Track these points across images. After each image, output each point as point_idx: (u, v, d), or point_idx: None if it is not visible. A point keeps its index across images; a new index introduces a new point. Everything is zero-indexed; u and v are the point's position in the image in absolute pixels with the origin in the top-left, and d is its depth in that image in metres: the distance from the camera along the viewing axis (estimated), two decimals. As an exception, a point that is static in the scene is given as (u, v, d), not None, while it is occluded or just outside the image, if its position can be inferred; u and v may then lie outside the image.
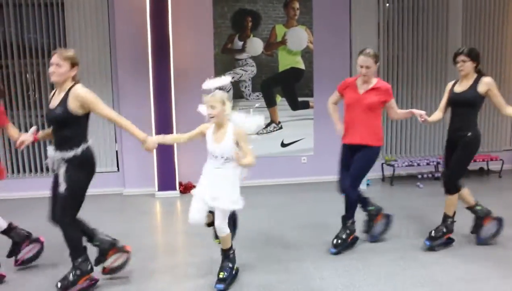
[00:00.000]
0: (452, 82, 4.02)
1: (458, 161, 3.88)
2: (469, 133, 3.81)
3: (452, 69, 6.97)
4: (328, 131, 5.88)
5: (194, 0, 6.25)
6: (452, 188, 3.93)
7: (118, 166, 6.43)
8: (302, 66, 6.61)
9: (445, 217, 4.00)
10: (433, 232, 3.99)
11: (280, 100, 6.60)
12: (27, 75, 6.28)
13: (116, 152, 6.42)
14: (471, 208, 4.07)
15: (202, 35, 6.31)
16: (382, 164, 6.85)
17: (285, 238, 4.35)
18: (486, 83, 3.76)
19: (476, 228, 4.07)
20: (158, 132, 5.97)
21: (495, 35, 7.14)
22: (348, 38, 6.73)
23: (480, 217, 4.04)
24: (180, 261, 3.93)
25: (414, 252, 3.95)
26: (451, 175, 3.92)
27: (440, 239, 3.98)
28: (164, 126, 5.98)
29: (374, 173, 6.85)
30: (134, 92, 6.14)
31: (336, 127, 4.04)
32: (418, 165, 6.74)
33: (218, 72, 6.38)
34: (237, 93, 6.44)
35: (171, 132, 5.99)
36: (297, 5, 6.52)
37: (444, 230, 3.98)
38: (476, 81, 3.78)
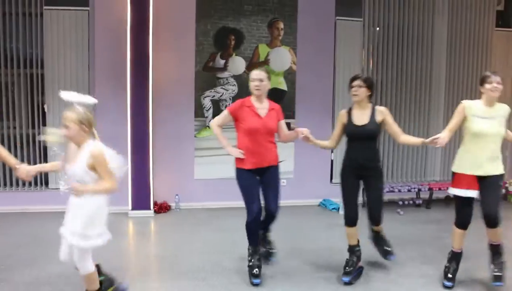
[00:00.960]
0: (345, 111, 3.89)
1: (380, 194, 3.87)
2: (379, 164, 3.83)
3: (435, 94, 7.00)
4: (310, 154, 5.81)
5: (176, 16, 6.15)
6: (379, 219, 3.94)
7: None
8: (284, 87, 6.54)
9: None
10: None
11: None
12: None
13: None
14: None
15: (184, 52, 6.20)
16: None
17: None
18: (381, 112, 3.75)
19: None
20: (134, 149, 5.82)
21: (479, 64, 7.15)
22: (332, 61, 6.69)
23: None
24: (150, 286, 3.75)
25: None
26: (379, 209, 3.89)
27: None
28: (140, 143, 5.82)
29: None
30: (111, 108, 5.96)
31: None
32: (399, 191, 6.66)
33: (198, 90, 6.29)
34: (217, 112, 6.29)
35: (147, 149, 5.85)
36: (281, 25, 6.48)
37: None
38: (373, 111, 3.75)
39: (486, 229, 3.72)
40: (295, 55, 6.54)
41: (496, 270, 3.71)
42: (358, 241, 4.02)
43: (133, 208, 5.92)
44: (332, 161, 6.79)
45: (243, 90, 6.40)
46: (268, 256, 4.19)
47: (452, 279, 3.80)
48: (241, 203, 3.72)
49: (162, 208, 5.98)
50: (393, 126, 3.80)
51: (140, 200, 5.92)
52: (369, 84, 3.75)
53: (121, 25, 5.79)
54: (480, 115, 3.66)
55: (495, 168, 3.68)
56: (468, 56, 7.11)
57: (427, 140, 3.64)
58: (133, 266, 4.33)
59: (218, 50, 6.31)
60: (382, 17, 6.77)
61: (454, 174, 3.78)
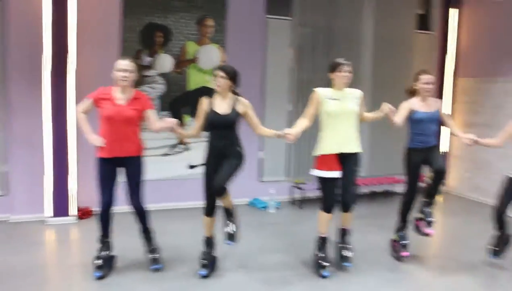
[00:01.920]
0: (208, 100, 3.98)
1: (230, 169, 3.88)
2: (238, 148, 3.95)
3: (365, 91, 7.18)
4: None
5: (100, 10, 5.81)
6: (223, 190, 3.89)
7: (4, 189, 5.69)
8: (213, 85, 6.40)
9: None
10: None
11: (189, 121, 6.33)
12: None
13: (4, 173, 5.69)
14: None
15: (108, 48, 5.85)
16: (292, 186, 6.82)
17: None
18: (244, 104, 3.92)
19: None
20: (54, 150, 5.45)
21: (402, 64, 7.40)
22: (262, 59, 6.66)
23: None
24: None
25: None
26: (225, 181, 3.87)
27: None
28: (60, 144, 5.46)
29: (283, 195, 6.82)
30: (27, 106, 5.53)
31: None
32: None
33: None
34: (144, 112, 6.07)
35: (66, 151, 5.50)
36: (211, 22, 6.34)
37: None
38: (235, 102, 3.91)
39: (341, 213, 4.16)
40: (224, 53, 6.43)
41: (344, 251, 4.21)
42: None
43: (54, 215, 5.53)
44: (261, 159, 6.77)
45: (172, 89, 6.21)
46: (153, 263, 4.12)
47: (326, 267, 4.10)
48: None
49: (85, 214, 5.65)
50: (254, 119, 4.00)
51: (61, 206, 5.53)
52: (232, 77, 3.88)
53: (38, 17, 5.37)
54: (332, 97, 4.04)
55: (354, 146, 4.07)
56: (392, 57, 7.35)
57: (280, 132, 3.89)
58: (52, 278, 4.05)
59: (144, 47, 6.05)
60: (311, 17, 6.81)
61: (316, 157, 4.05)
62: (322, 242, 4.16)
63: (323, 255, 4.13)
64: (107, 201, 3.90)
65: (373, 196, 7.22)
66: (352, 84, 6.97)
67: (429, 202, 4.41)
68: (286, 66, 6.79)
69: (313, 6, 6.81)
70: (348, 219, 4.20)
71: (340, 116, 4.02)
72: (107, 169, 3.88)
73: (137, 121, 3.92)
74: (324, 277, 4.04)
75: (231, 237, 4.00)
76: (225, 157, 3.90)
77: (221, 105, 3.89)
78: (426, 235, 4.40)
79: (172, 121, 3.96)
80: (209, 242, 4.14)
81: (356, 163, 4.12)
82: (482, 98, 7.35)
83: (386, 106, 4.21)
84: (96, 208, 5.89)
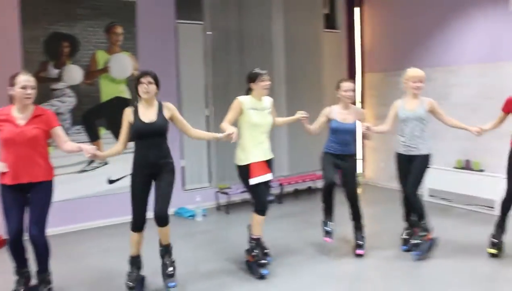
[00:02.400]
0: (130, 109, 3.77)
1: (169, 191, 3.75)
2: (171, 160, 3.82)
3: (277, 96, 7.27)
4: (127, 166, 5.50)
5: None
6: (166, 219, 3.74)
7: None
8: (127, 95, 6.16)
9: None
10: None
11: (105, 133, 6.02)
12: None
13: None
14: None
15: (7, 61, 5.39)
16: (216, 192, 6.75)
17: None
18: (169, 109, 3.80)
19: None
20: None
21: (313, 64, 7.64)
22: (176, 65, 6.51)
23: None
24: None
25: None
26: (167, 206, 3.73)
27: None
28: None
29: (209, 202, 6.72)
30: None
31: None
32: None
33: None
34: (54, 127, 5.68)
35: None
36: (120, 30, 6.08)
37: None
38: (160, 108, 3.77)
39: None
40: (136, 61, 6.20)
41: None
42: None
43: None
44: (183, 168, 6.61)
45: (83, 101, 5.87)
46: None
47: (265, 265, 4.14)
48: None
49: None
50: (183, 122, 3.90)
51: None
52: (157, 82, 3.76)
53: None
54: (254, 107, 4.12)
55: (270, 153, 4.27)
56: (303, 57, 7.54)
57: (219, 135, 3.86)
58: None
59: (50, 58, 5.65)
60: (222, 21, 6.77)
61: (248, 166, 4.07)
62: (257, 243, 4.15)
63: (258, 252, 4.13)
64: (15, 230, 3.48)
65: (297, 194, 7.35)
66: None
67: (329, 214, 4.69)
68: (201, 71, 6.71)
69: (223, 10, 6.78)
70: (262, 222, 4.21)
71: (262, 127, 4.15)
72: (13, 196, 3.50)
73: (42, 141, 3.56)
74: (263, 276, 4.04)
75: (171, 276, 3.77)
76: (157, 172, 3.71)
77: (147, 113, 3.70)
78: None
79: (90, 149, 3.56)
80: (136, 261, 3.87)
81: (273, 168, 4.31)
82: (388, 91, 7.76)
83: (299, 114, 4.40)
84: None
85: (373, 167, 8.21)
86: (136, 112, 3.72)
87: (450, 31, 6.78)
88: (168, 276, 3.75)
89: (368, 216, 6.19)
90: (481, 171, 6.29)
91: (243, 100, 4.11)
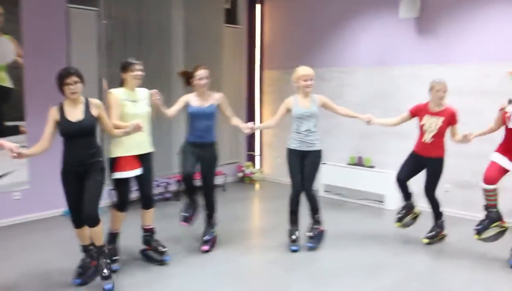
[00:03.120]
0: (55, 107, 3.62)
1: (99, 189, 3.74)
2: (100, 159, 3.77)
3: (176, 88, 7.02)
4: (47, 160, 5.05)
5: None
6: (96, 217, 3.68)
7: None
8: (9, 84, 5.55)
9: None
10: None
11: (-16, 125, 5.38)
12: None
13: None
14: None
15: None
16: (110, 190, 6.36)
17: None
18: (96, 106, 3.73)
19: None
20: None
21: (213, 59, 7.50)
22: (64, 54, 5.97)
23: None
24: None
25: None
26: (96, 206, 3.69)
27: None
28: None
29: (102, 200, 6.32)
30: None
31: None
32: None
33: None
34: None
35: None
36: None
37: None
38: (87, 105, 3.69)
39: (142, 210, 4.26)
40: (20, 47, 5.61)
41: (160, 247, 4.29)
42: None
43: None
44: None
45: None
46: None
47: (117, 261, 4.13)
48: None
49: None
50: (107, 121, 3.81)
51: None
52: (82, 77, 3.64)
53: None
54: (129, 99, 4.06)
55: (149, 146, 4.19)
56: (203, 51, 7.37)
57: (128, 129, 3.74)
58: None
59: None
60: (119, 9, 6.34)
61: (115, 159, 4.00)
62: (114, 237, 4.19)
63: (114, 247, 4.17)
64: None
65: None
66: (164, 77, 6.91)
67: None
68: (94, 61, 6.24)
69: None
70: (150, 217, 4.28)
71: (137, 118, 3.93)
72: None
73: None
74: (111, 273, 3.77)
75: (107, 278, 3.64)
76: (85, 171, 3.62)
77: (73, 112, 3.58)
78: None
79: (14, 147, 3.30)
80: (86, 250, 3.86)
81: (151, 162, 4.23)
82: (287, 88, 7.88)
83: (154, 97, 4.24)
84: None
85: (270, 162, 8.33)
86: (61, 111, 3.58)
87: (346, 33, 7.06)
88: (104, 278, 3.62)
89: (266, 211, 6.30)
90: (372, 167, 6.64)
91: (116, 92, 4.03)
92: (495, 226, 4.34)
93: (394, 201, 6.16)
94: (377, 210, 6.22)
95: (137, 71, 4.06)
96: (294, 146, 4.63)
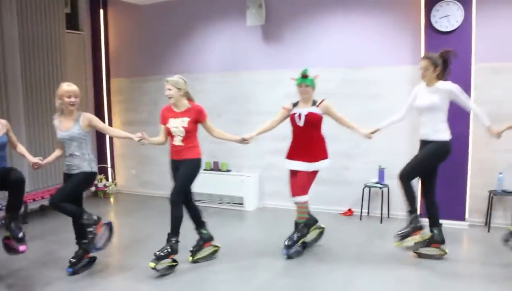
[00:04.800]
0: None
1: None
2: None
3: (13, 98, 6.35)
4: None
5: None
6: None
7: None
8: None
9: None
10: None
11: None
12: None
13: None
14: None
15: None
16: None
17: None
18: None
19: None
20: None
21: (54, 65, 6.93)
22: None
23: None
24: None
25: None
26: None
27: None
28: None
29: None
30: None
31: None
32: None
33: None
34: None
35: None
36: None
37: None
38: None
39: None
40: None
41: None
42: None
43: None
44: None
45: None
46: None
47: None
48: None
49: None
50: None
51: None
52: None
53: None
54: None
55: None
56: (43, 58, 6.77)
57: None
58: None
59: None
60: None
61: None
62: None
63: None
64: None
65: (44, 211, 6.53)
66: (3, 89, 6.18)
67: (13, 218, 4.09)
68: None
69: None
70: None
71: None
72: None
73: None
74: None
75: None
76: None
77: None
78: (20, 252, 4.06)
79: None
80: None
81: None
82: (138, 97, 7.69)
83: None
84: None
85: (124, 174, 8.00)
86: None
87: (196, 40, 7.12)
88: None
89: (127, 225, 5.98)
90: (229, 171, 6.80)
91: None
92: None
93: (253, 202, 6.41)
94: (237, 212, 6.38)
95: None
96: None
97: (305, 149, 4.54)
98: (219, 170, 6.87)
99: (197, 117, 4.33)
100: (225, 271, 4.29)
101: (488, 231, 5.38)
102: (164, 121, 4.38)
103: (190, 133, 4.30)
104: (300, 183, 4.51)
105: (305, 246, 4.74)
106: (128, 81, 7.78)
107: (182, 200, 4.30)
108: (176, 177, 4.35)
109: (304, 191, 4.51)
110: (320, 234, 5.00)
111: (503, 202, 5.54)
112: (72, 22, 7.38)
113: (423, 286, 3.95)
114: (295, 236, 4.57)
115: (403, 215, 5.90)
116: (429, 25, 5.53)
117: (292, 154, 4.63)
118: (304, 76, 4.56)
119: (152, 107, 7.39)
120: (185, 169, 4.28)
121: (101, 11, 7.68)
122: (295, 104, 4.68)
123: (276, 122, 4.75)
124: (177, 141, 4.30)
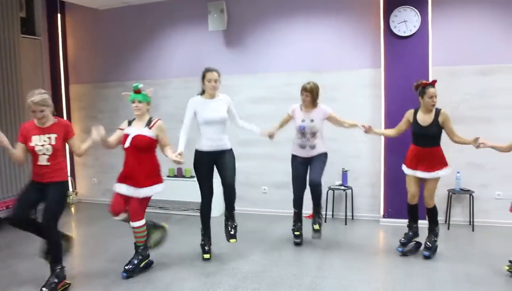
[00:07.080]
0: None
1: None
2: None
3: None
4: None
5: None
6: None
7: None
8: None
9: None
10: None
11: None
12: None
13: None
14: None
15: None
16: None
17: None
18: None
19: None
20: None
21: (8, 71, 6.65)
22: None
23: None
24: None
25: None
26: None
27: None
28: None
29: None
30: None
31: None
32: None
33: None
34: None
35: None
36: None
37: None
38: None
39: None
40: None
41: None
42: None
43: None
44: None
45: None
46: None
47: None
48: None
49: None
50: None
51: None
52: None
53: None
54: None
55: None
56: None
57: None
58: None
59: None
60: None
61: None
62: None
63: None
64: None
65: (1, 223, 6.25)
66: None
67: None
68: None
69: None
70: None
71: None
72: None
73: None
74: None
75: None
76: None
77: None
78: None
79: None
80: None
81: None
82: (99, 103, 7.52)
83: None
84: None
85: (85, 183, 7.80)
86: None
87: (157, 45, 7.05)
88: None
89: (89, 235, 5.82)
90: (192, 177, 6.72)
91: None
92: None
93: (217, 208, 6.35)
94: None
95: None
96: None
97: (133, 173, 4.23)
98: (183, 177, 6.80)
99: (65, 134, 3.95)
100: (193, 278, 4.24)
101: (448, 228, 5.55)
102: (24, 139, 3.88)
103: (58, 152, 3.90)
104: (134, 209, 4.20)
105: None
106: (88, 87, 7.61)
107: (57, 225, 3.91)
108: (46, 203, 3.88)
109: (139, 216, 4.22)
110: (163, 233, 4.66)
111: (460, 199, 5.73)
112: (27, 27, 7.14)
113: (385, 284, 4.03)
114: (135, 260, 4.26)
115: (367, 216, 6.07)
116: (388, 30, 5.68)
117: (121, 178, 4.32)
118: (137, 91, 4.25)
119: (113, 114, 7.25)
120: (56, 197, 3.88)
121: (59, 15, 7.48)
122: (130, 122, 4.37)
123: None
124: (43, 161, 3.85)
